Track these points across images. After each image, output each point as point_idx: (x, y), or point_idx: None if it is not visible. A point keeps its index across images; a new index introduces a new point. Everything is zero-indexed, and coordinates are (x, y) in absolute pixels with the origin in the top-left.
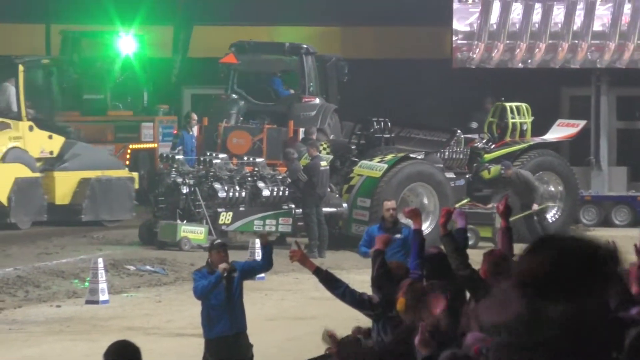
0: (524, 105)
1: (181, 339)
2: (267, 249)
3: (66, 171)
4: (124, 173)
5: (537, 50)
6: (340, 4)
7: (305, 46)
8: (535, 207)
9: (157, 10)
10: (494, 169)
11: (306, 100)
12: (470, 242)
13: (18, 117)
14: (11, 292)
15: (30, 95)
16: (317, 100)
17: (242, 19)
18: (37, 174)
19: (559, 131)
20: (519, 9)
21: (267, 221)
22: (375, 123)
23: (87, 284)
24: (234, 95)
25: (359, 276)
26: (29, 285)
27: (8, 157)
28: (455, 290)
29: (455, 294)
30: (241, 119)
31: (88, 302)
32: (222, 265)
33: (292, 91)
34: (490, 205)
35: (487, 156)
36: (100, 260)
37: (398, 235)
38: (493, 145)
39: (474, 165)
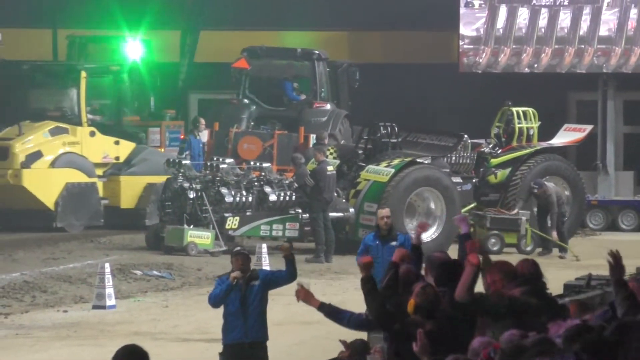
0: (530, 110)
1: (188, 344)
2: (290, 260)
3: (133, 176)
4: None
5: (543, 55)
6: (347, 9)
7: (317, 52)
8: (554, 235)
9: (164, 15)
10: (501, 173)
11: (317, 105)
12: (495, 248)
13: (78, 123)
14: (18, 297)
15: (97, 101)
16: (328, 106)
17: (249, 24)
18: (94, 179)
19: (566, 136)
20: (525, 13)
21: (274, 226)
22: (382, 128)
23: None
24: (245, 100)
25: None
26: (36, 290)
27: (59, 162)
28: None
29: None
30: (252, 124)
31: (95, 307)
32: (234, 274)
33: (303, 96)
34: (515, 212)
35: (494, 161)
36: (107, 265)
37: (394, 243)
38: (500, 150)
39: (481, 170)
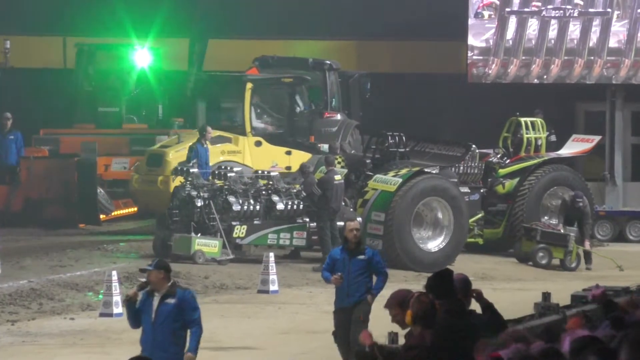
0: (538, 120)
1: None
2: None
3: None
4: None
5: (553, 66)
6: (356, 19)
7: (328, 62)
8: (587, 244)
9: (173, 23)
10: (509, 183)
11: (328, 115)
12: (543, 262)
13: (242, 133)
14: (25, 305)
15: (270, 112)
16: (339, 116)
17: (257, 33)
18: None
19: (574, 146)
20: (535, 24)
21: (282, 235)
22: (390, 137)
23: (101, 296)
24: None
25: None
26: (43, 298)
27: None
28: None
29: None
30: None
31: (102, 314)
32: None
33: (312, 107)
34: (559, 227)
35: (502, 171)
36: (114, 272)
37: (361, 257)
38: (508, 160)
39: (489, 180)
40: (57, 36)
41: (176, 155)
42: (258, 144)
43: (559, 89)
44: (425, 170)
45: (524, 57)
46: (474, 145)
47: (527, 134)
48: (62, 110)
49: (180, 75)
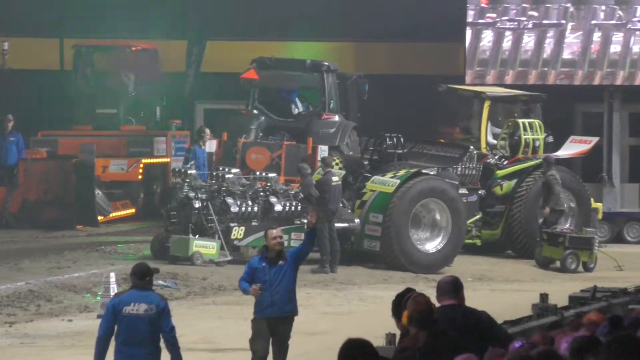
0: (536, 121)
1: (193, 354)
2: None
3: None
4: None
5: (507, 77)
6: (353, 20)
7: (326, 63)
8: (547, 210)
9: (171, 25)
10: (507, 185)
11: (326, 117)
12: (572, 267)
13: (477, 148)
14: (23, 306)
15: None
16: (337, 118)
17: (255, 34)
18: None
19: (572, 147)
20: (490, 36)
21: None
22: (388, 139)
23: (98, 298)
24: (254, 111)
25: (371, 291)
26: (41, 300)
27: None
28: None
29: None
30: (260, 134)
31: (100, 316)
32: None
33: (311, 108)
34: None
35: (500, 172)
36: (112, 274)
37: (281, 262)
38: (506, 162)
39: (488, 182)
40: (55, 38)
41: None
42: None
43: (558, 90)
44: (424, 171)
45: (478, 68)
46: (471, 147)
47: (525, 135)
48: (60, 112)
49: (179, 77)
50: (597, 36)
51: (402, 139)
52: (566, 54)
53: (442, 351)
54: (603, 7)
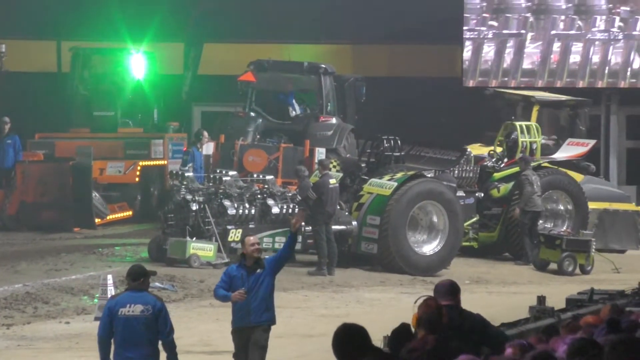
0: (534, 124)
1: (190, 356)
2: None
3: None
4: (629, 206)
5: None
6: (351, 22)
7: (323, 66)
8: (516, 211)
9: (168, 28)
10: (504, 187)
11: (323, 119)
12: (570, 269)
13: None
14: (20, 309)
15: (547, 133)
16: (334, 120)
17: (253, 37)
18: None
19: (569, 150)
20: (492, 46)
21: (277, 238)
22: (385, 141)
23: (96, 300)
24: (251, 113)
25: (368, 294)
26: (38, 302)
27: None
28: None
29: None
30: (258, 137)
31: (97, 318)
32: None
33: (308, 110)
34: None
35: (497, 175)
36: (109, 276)
37: (259, 270)
38: (503, 164)
39: (485, 185)
40: (52, 40)
41: None
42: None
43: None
44: (421, 174)
45: (523, 79)
46: (469, 149)
47: (522, 137)
48: (57, 115)
49: (176, 80)
50: (556, 46)
51: (399, 142)
52: (526, 64)
53: (451, 356)
54: (562, 17)
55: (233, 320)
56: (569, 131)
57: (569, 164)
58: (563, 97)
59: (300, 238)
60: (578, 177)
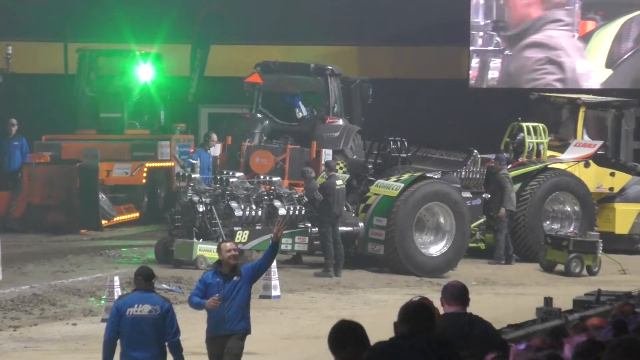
0: (540, 125)
1: (197, 358)
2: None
3: (626, 202)
4: None
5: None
6: (357, 24)
7: (330, 67)
8: (502, 211)
9: (175, 29)
10: None
11: (330, 121)
12: (577, 270)
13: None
14: (27, 310)
15: (595, 134)
16: (341, 122)
17: (259, 39)
18: None
19: (576, 151)
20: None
21: (283, 240)
22: (392, 142)
23: (103, 302)
24: (258, 115)
25: (375, 295)
26: (45, 303)
27: None
28: None
29: None
30: (265, 138)
31: (104, 320)
32: None
33: (315, 112)
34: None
35: None
36: (116, 278)
37: (236, 278)
38: (509, 166)
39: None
40: (59, 42)
41: None
42: (587, 164)
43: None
44: (427, 175)
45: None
46: (475, 151)
47: (528, 138)
48: (64, 116)
49: (183, 81)
50: None
51: (405, 143)
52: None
53: None
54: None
55: (208, 329)
56: (615, 132)
57: (616, 164)
58: (608, 98)
59: (306, 239)
60: (626, 177)
